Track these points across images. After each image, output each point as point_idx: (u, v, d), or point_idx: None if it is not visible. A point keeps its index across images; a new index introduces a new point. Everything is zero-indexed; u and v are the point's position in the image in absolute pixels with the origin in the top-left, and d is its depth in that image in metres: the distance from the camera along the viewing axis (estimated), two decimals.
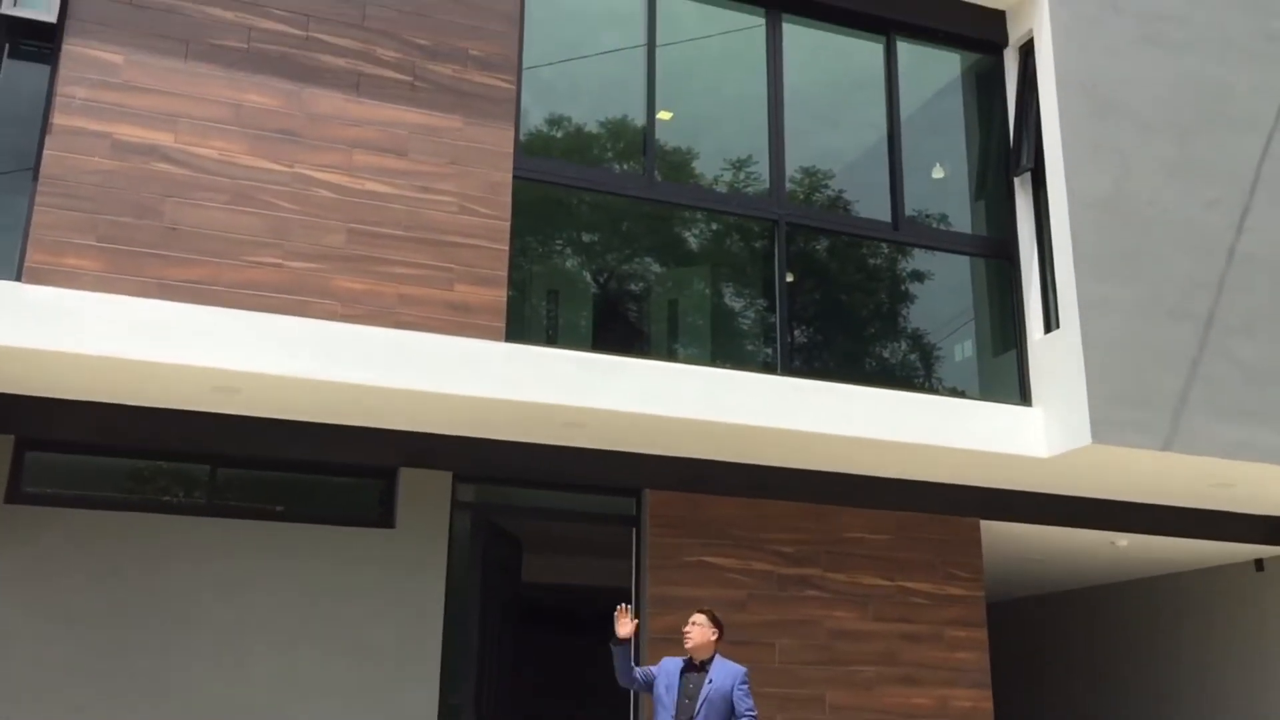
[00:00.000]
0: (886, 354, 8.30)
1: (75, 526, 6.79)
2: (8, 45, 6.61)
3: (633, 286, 7.90)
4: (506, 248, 7.11)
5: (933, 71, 8.94)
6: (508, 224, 7.15)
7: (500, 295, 7.01)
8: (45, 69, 6.57)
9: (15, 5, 6.52)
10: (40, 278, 6.12)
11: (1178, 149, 8.34)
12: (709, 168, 8.11)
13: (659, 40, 8.07)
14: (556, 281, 7.69)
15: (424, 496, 7.45)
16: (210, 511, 7.13)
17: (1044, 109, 8.31)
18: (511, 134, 7.31)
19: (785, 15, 8.50)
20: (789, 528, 8.27)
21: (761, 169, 8.17)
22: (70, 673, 6.56)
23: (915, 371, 8.33)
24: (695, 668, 6.02)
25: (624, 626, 6.07)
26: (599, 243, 7.94)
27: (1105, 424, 7.48)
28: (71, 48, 6.50)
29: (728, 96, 8.36)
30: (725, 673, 5.95)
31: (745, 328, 8.04)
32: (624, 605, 6.18)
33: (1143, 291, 7.88)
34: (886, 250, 8.44)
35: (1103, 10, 8.44)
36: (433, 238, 6.94)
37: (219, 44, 6.80)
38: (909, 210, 8.44)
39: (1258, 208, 8.44)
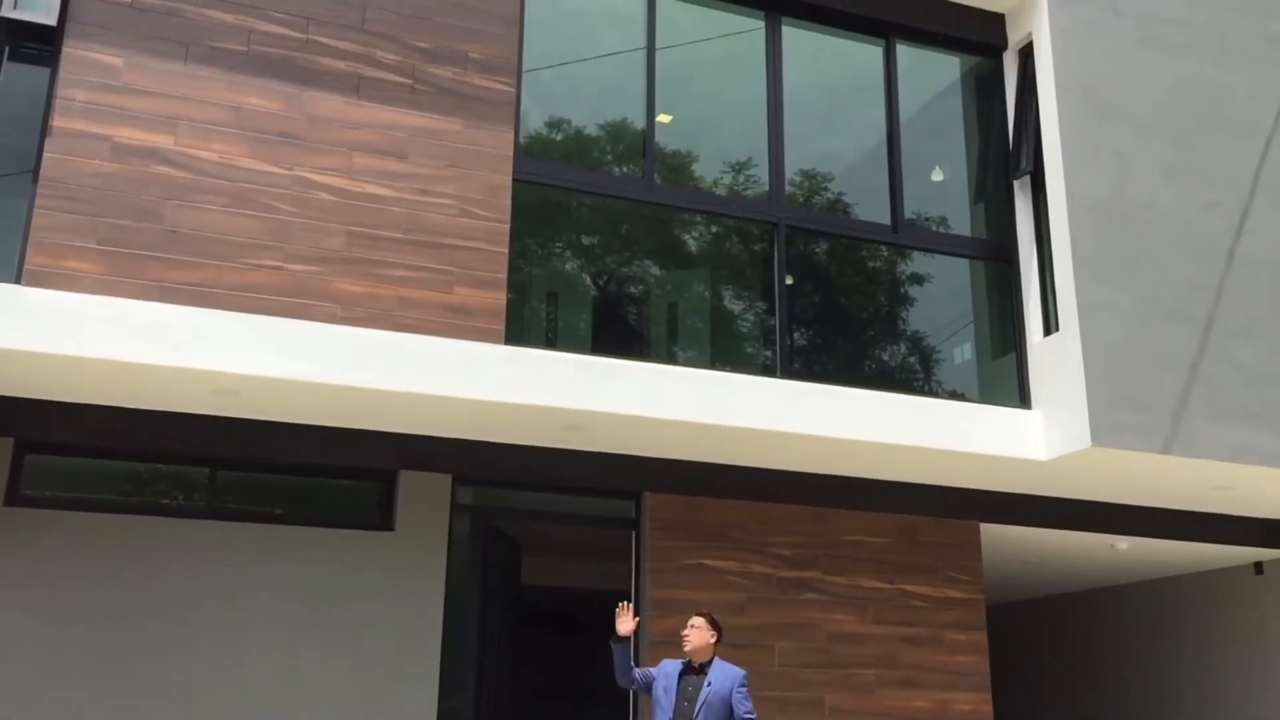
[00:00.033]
0: (886, 357, 8.30)
1: (75, 529, 6.78)
2: (8, 48, 6.61)
3: (632, 289, 7.90)
4: (506, 250, 7.11)
5: (932, 74, 8.95)
6: (507, 227, 7.15)
7: (500, 298, 7.01)
8: (45, 72, 6.58)
9: (15, 8, 6.52)
10: (40, 280, 6.12)
11: (1177, 152, 8.34)
12: (708, 170, 8.12)
13: (659, 43, 8.07)
14: (556, 284, 7.69)
15: (423, 499, 7.45)
16: (210, 514, 7.13)
17: (1043, 112, 8.31)
18: (511, 137, 7.31)
19: (785, 18, 8.51)
20: (789, 530, 8.27)
21: (761, 172, 8.17)
22: (70, 675, 6.56)
23: (915, 374, 8.33)
24: (694, 670, 6.01)
25: (625, 624, 6.07)
26: (598, 245, 7.94)
27: (1105, 427, 7.48)
28: (71, 50, 6.50)
29: (727, 99, 8.37)
30: (724, 675, 5.95)
31: (745, 330, 8.04)
32: (625, 603, 6.18)
33: (1142, 294, 7.88)
34: (886, 253, 8.44)
35: (1102, 13, 8.45)
36: (432, 240, 6.95)
37: (219, 47, 6.81)
38: (908, 213, 8.45)
39: (1257, 211, 8.45)
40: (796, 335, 8.04)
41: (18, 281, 6.14)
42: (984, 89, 8.99)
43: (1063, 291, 7.89)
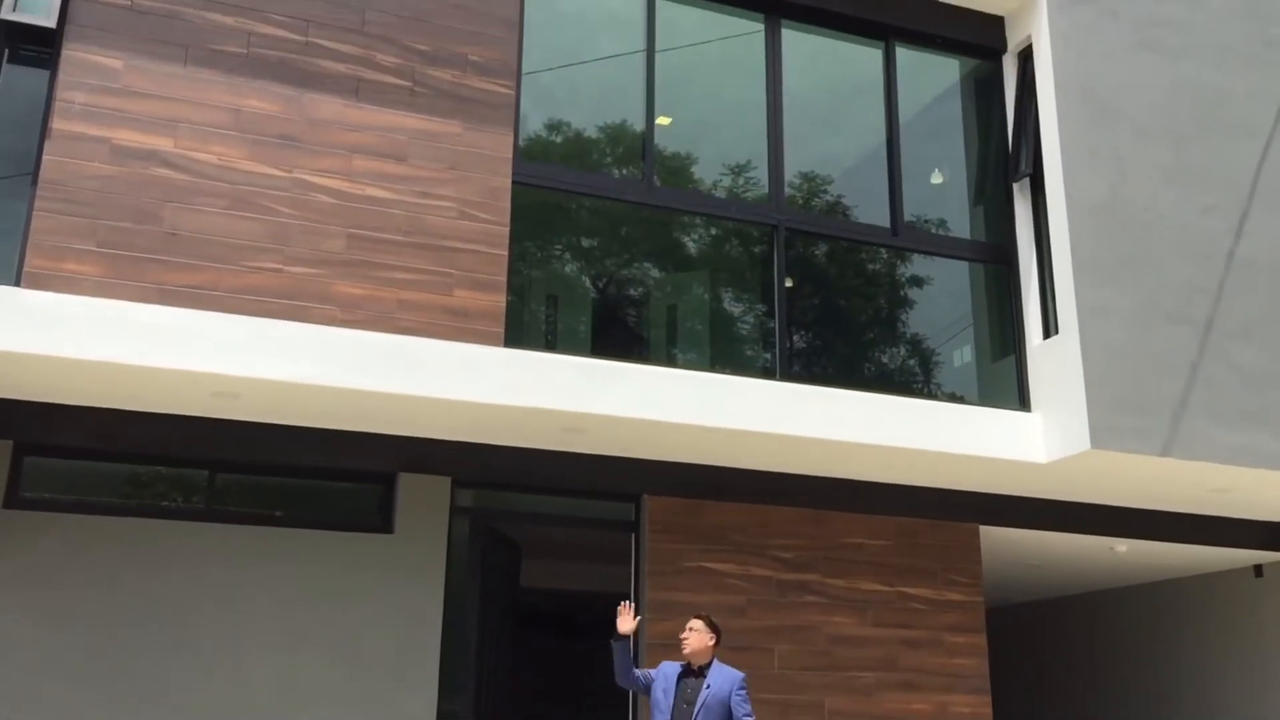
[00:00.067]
0: (885, 359, 8.30)
1: (74, 532, 6.78)
2: (7, 50, 6.61)
3: (632, 291, 7.90)
4: (505, 253, 7.11)
5: (932, 77, 8.96)
6: (507, 229, 7.16)
7: (499, 300, 7.01)
8: (45, 74, 6.58)
9: (15, 10, 6.52)
10: (40, 283, 6.12)
11: (1176, 154, 8.35)
12: (708, 173, 8.12)
13: (658, 45, 8.08)
14: (555, 286, 7.69)
15: (423, 502, 7.45)
16: (209, 516, 7.13)
17: (1043, 115, 8.32)
18: (511, 139, 7.32)
19: (784, 21, 8.51)
20: (788, 533, 8.26)
21: (760, 174, 8.18)
22: (69, 677, 6.55)
23: (914, 377, 8.34)
24: (693, 673, 6.01)
25: (625, 622, 6.08)
26: (598, 248, 7.94)
27: (1104, 429, 7.48)
28: (71, 53, 6.50)
29: (727, 102, 8.37)
30: (723, 678, 5.95)
31: (744, 333, 8.04)
32: (626, 601, 6.19)
33: (1141, 297, 7.89)
34: (885, 255, 8.45)
35: (1101, 16, 8.46)
36: (432, 243, 6.95)
37: (219, 49, 6.81)
38: (908, 215, 8.45)
39: (1256, 213, 8.45)
40: (796, 338, 8.04)
41: (17, 284, 6.14)
42: (983, 92, 8.99)
43: (1062, 294, 7.89)
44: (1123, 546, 9.72)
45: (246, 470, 7.32)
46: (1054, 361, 7.92)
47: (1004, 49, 8.90)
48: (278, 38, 6.95)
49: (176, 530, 6.96)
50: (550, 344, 7.47)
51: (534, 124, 7.72)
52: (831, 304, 8.24)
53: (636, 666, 6.30)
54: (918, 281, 8.48)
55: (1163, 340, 7.84)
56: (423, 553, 7.35)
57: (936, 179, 8.76)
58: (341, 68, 7.03)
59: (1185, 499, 8.86)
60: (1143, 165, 8.21)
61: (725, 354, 7.94)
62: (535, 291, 7.56)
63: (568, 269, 7.78)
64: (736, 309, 8.09)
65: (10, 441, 6.82)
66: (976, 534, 8.80)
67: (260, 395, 6.60)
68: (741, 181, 8.17)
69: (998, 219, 8.70)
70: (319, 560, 7.15)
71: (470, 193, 7.12)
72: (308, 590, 7.08)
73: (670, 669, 6.09)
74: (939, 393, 8.30)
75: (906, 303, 8.44)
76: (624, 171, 7.93)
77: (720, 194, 8.07)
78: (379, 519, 7.48)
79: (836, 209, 8.44)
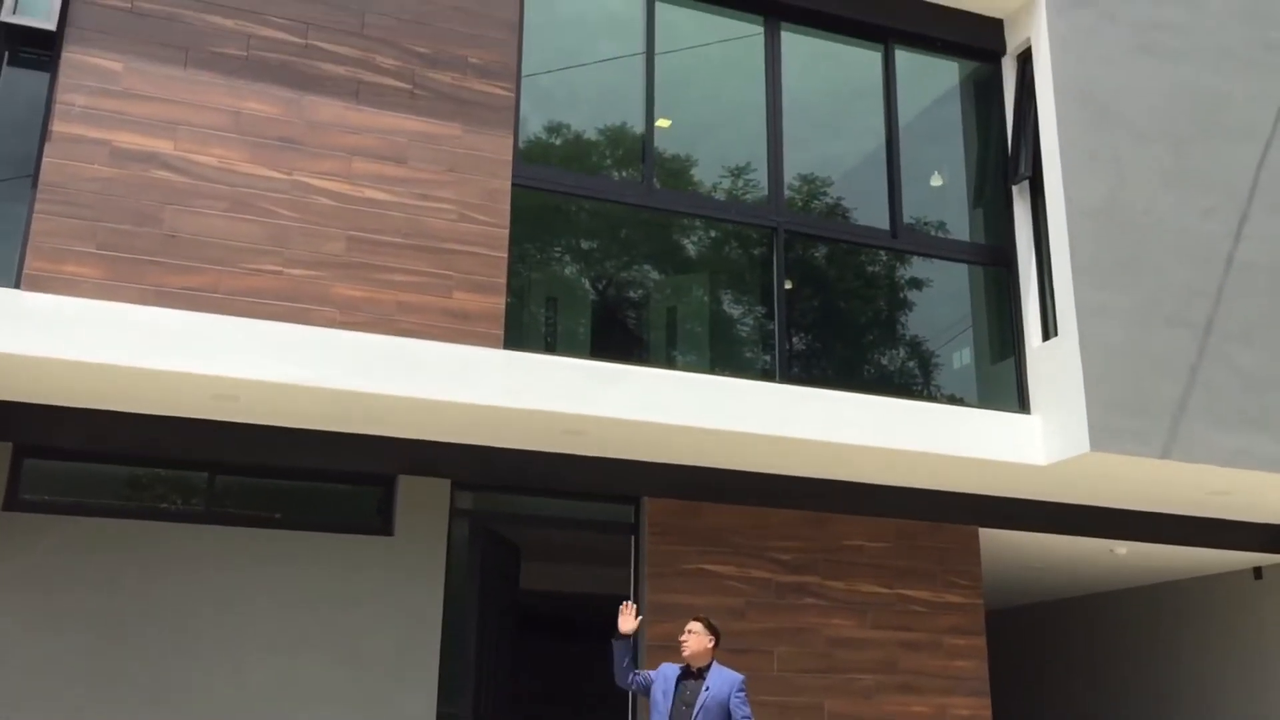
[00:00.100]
0: (885, 361, 8.31)
1: (73, 534, 6.78)
2: (7, 53, 6.61)
3: (631, 294, 7.91)
4: (505, 255, 7.12)
5: (931, 80, 8.96)
6: (506, 231, 7.16)
7: (499, 302, 7.01)
8: (45, 76, 6.58)
9: (15, 13, 6.53)
10: (40, 285, 6.12)
11: (1175, 157, 8.35)
12: (707, 175, 8.12)
13: (658, 48, 8.08)
14: (555, 289, 7.70)
15: (423, 504, 7.45)
16: (209, 519, 7.13)
17: (1042, 117, 8.32)
18: (510, 141, 7.32)
19: (784, 23, 8.52)
20: (788, 535, 8.27)
21: (760, 176, 8.18)
22: (68, 679, 6.55)
23: (914, 379, 8.34)
24: (693, 675, 6.01)
25: (627, 622, 6.08)
26: (598, 250, 7.94)
27: (1104, 432, 7.48)
28: (71, 55, 6.51)
29: (726, 104, 8.38)
30: (722, 680, 5.95)
31: (744, 335, 8.04)
32: (628, 601, 6.19)
33: (1141, 299, 7.89)
34: (885, 258, 8.45)
35: (1100, 19, 8.47)
36: (432, 245, 6.95)
37: (219, 52, 6.82)
38: (907, 218, 8.45)
39: (1255, 216, 8.46)
40: (795, 340, 8.04)
41: (17, 286, 6.14)
42: (983, 94, 9.00)
43: (1061, 296, 7.89)
44: (1122, 549, 9.72)
45: (246, 472, 7.33)
46: (1053, 364, 7.92)
47: (1003, 51, 8.91)
48: (278, 40, 6.95)
49: (176, 532, 6.97)
50: (550, 346, 7.47)
51: (534, 126, 7.73)
52: (831, 306, 8.24)
53: (636, 668, 6.29)
54: (917, 284, 8.48)
55: (1162, 343, 7.85)
56: (422, 555, 7.35)
57: (936, 181, 8.76)
58: (341, 70, 7.03)
59: (1185, 501, 8.86)
60: (1142, 168, 8.21)
61: (725, 356, 7.94)
62: (535, 294, 7.56)
63: (567, 271, 7.79)
64: (736, 311, 8.09)
65: (10, 444, 6.83)
66: (976, 536, 8.80)
67: (260, 397, 6.61)
68: (741, 184, 8.18)
69: (997, 221, 8.70)
70: (319, 562, 7.15)
71: (470, 195, 7.12)
72: (307, 592, 7.08)
73: (669, 671, 6.09)
74: (938, 395, 8.30)
75: (906, 305, 8.44)
76: (624, 174, 7.93)
77: (720, 196, 8.08)
78: (379, 521, 7.48)
79: (836, 211, 8.45)
